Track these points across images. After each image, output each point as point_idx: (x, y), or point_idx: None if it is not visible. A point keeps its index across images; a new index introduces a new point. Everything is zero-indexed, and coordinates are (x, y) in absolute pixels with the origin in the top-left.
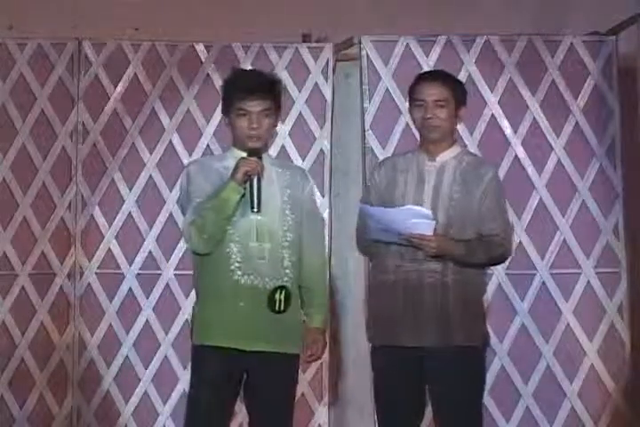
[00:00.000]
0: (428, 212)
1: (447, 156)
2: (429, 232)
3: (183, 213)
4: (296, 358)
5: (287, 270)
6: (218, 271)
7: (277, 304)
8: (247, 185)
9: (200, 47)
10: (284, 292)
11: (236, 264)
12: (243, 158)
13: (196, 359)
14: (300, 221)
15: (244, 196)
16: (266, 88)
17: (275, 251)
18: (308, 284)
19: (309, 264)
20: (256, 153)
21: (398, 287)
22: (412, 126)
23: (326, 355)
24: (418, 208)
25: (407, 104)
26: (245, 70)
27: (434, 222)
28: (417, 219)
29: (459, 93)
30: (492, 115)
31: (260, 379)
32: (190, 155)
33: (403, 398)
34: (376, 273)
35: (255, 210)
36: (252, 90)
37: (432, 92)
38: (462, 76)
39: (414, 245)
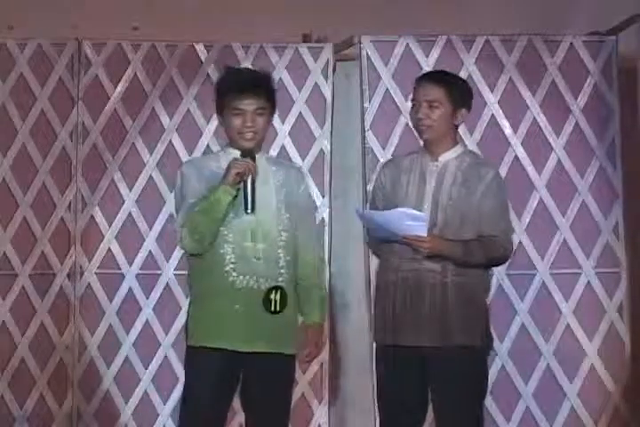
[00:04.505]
0: (421, 213)
1: (449, 156)
2: (423, 233)
3: (177, 213)
4: (292, 358)
5: (282, 270)
6: (213, 272)
7: (273, 304)
8: (241, 186)
9: (200, 47)
10: (279, 292)
11: (231, 265)
12: (234, 160)
13: (192, 360)
14: (295, 220)
15: (236, 197)
16: (260, 87)
17: (270, 251)
18: (305, 281)
19: (305, 262)
20: (249, 153)
21: (399, 287)
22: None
23: (326, 355)
24: (410, 210)
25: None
26: (239, 69)
27: (426, 223)
28: (410, 221)
29: (456, 94)
30: (492, 115)
31: (257, 380)
32: (190, 155)
33: (405, 398)
34: (381, 273)
35: (249, 211)
36: (247, 88)
37: (424, 93)
38: (462, 76)
39: (410, 246)
